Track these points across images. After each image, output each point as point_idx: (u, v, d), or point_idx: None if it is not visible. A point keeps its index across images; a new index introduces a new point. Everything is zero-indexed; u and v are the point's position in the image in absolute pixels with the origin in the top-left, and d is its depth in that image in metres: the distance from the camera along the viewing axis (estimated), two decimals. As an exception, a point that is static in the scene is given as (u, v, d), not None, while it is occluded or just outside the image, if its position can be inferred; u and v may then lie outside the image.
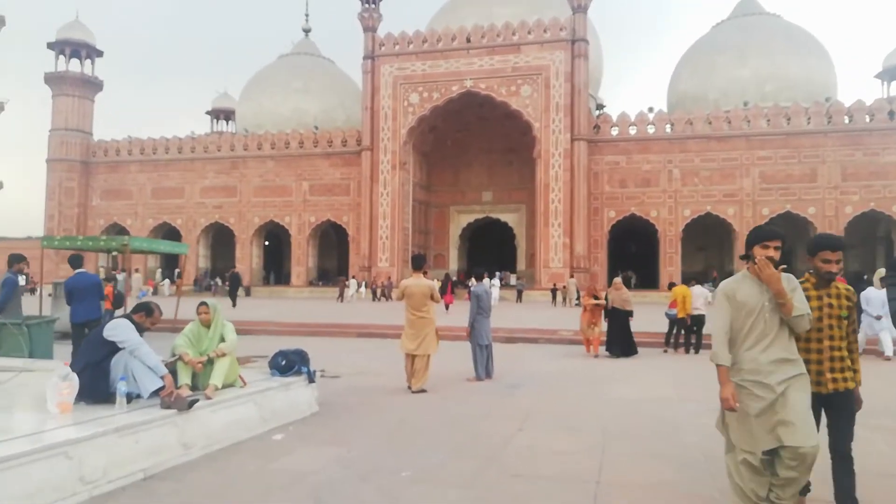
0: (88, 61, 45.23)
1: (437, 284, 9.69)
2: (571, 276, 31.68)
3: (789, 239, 34.82)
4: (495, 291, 27.21)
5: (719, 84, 40.00)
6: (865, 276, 22.26)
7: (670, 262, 35.33)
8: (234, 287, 28.83)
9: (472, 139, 41.01)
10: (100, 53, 45.63)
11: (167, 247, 17.60)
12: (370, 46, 38.75)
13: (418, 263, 8.55)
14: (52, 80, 43.82)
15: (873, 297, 12.11)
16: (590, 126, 36.17)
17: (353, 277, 36.15)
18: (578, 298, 29.15)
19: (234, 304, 26.63)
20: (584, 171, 35.18)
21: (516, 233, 41.17)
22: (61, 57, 44.19)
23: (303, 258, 40.99)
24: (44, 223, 44.48)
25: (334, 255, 46.02)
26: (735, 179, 34.78)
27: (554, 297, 31.01)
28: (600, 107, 46.48)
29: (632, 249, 39.85)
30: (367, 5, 39.28)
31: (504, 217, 41.50)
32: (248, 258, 41.99)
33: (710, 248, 40.21)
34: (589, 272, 33.93)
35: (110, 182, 44.63)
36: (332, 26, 71.60)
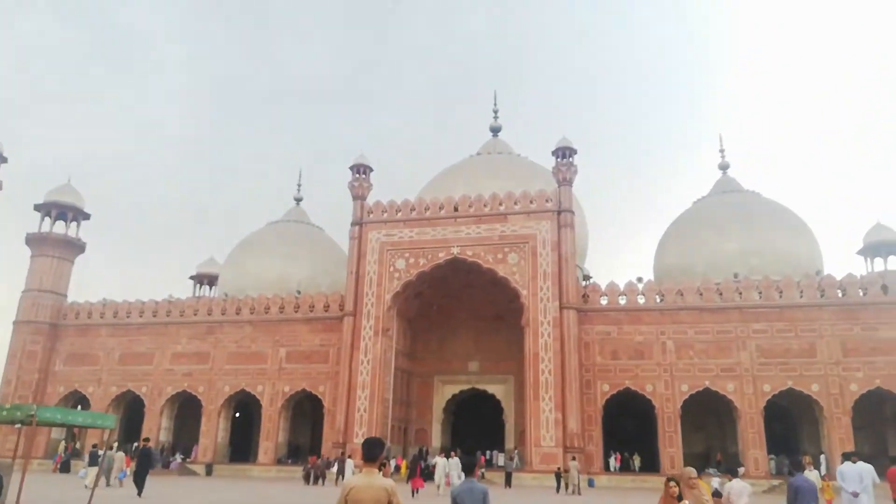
0: (74, 223, 45.14)
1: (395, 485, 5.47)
2: (573, 458, 28.67)
3: (794, 417, 32.73)
4: (452, 472, 24.40)
5: (706, 257, 40.01)
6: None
7: (670, 443, 32.64)
8: (141, 469, 20.58)
9: (459, 306, 39.95)
10: (87, 216, 45.68)
11: (87, 419, 14.61)
12: (359, 213, 38.96)
13: (372, 453, 5.51)
14: (33, 240, 43.31)
15: (848, 472, 11.29)
16: (578, 295, 35.33)
17: (350, 457, 30.83)
18: (578, 484, 26.20)
19: (139, 493, 19.78)
20: (574, 340, 33.68)
21: (504, 406, 38.61)
22: (46, 218, 44.08)
23: (273, 432, 37.81)
24: (0, 388, 41.53)
25: (307, 429, 42.75)
26: (732, 353, 33.30)
27: (559, 483, 27.68)
28: (587, 278, 46.23)
29: (629, 427, 37.18)
30: (357, 175, 40.15)
31: (491, 388, 39.18)
32: (213, 431, 38.73)
33: (709, 426, 37.67)
34: (583, 451, 31.08)
35: (77, 346, 42.45)
36: (324, 196, 73.79)
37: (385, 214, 38.67)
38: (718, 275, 37.19)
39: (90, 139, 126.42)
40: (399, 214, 38.41)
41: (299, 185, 56.15)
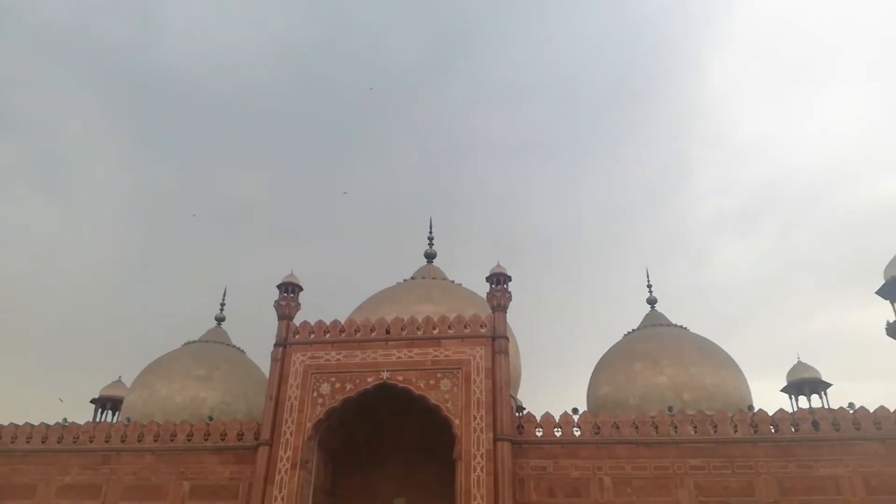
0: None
1: None
2: None
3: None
4: None
5: (638, 390, 39.65)
6: None
7: (611, 592, 30.08)
8: None
9: (387, 436, 37.46)
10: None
11: None
12: (284, 333, 36.92)
13: None
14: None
15: None
16: (513, 426, 33.71)
17: None
18: None
19: None
20: (508, 475, 31.56)
21: (435, 554, 35.23)
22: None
23: (165, 582, 32.84)
24: None
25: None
26: (670, 491, 31.89)
27: None
28: (520, 409, 44.77)
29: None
30: (285, 294, 38.55)
31: (420, 532, 35.87)
32: (95, 581, 33.33)
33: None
34: None
35: (-56, 476, 36.82)
36: (248, 317, 70.77)
37: (312, 335, 36.81)
38: (652, 408, 36.61)
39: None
40: (327, 336, 36.65)
41: (223, 305, 53.54)
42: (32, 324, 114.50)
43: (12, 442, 37.58)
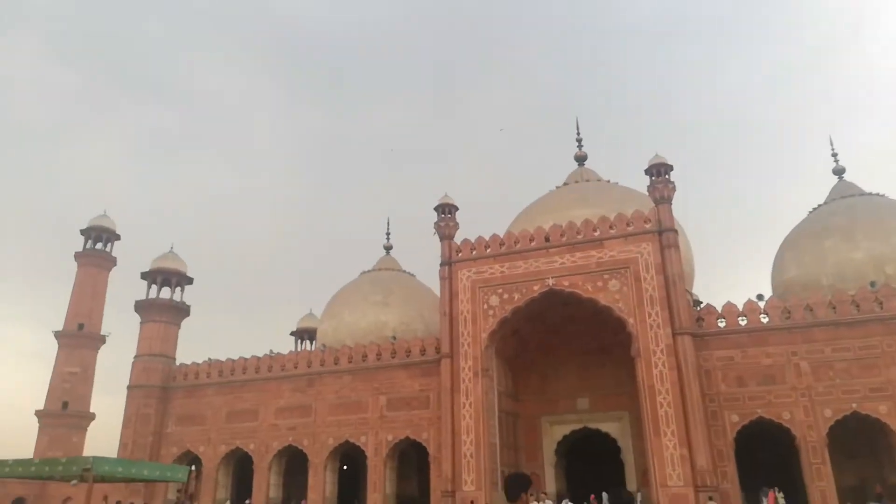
0: (179, 288, 46.88)
1: None
2: (710, 499, 25.35)
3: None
4: None
5: (830, 269, 36.07)
6: None
7: (819, 476, 28.67)
8: None
9: (560, 341, 37.77)
10: (190, 281, 47.45)
11: (154, 472, 12.63)
12: (447, 253, 38.04)
13: (515, 492, 4.64)
14: (142, 307, 45.22)
15: None
16: (692, 319, 32.45)
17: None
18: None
19: None
20: (692, 368, 30.71)
21: (622, 445, 35.67)
22: (153, 286, 46.02)
23: (379, 483, 36.57)
24: (118, 452, 42.81)
25: (414, 479, 41.22)
26: (880, 370, 29.25)
27: None
28: (697, 302, 42.86)
29: (766, 459, 33.18)
30: (443, 215, 39.42)
31: (605, 427, 36.37)
32: (321, 485, 38.00)
33: (861, 455, 33.05)
34: (718, 490, 27.85)
35: (186, 407, 43.36)
36: (412, 243, 73.94)
37: (474, 252, 37.54)
38: (849, 286, 33.33)
39: (189, 207, 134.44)
40: (488, 251, 37.17)
41: (388, 234, 56.30)
42: (231, 275, 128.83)
43: (231, 374, 43.12)
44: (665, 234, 33.68)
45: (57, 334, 62.61)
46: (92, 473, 9.95)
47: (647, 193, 36.22)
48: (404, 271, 52.16)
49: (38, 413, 59.73)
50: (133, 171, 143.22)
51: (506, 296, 35.51)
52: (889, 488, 29.96)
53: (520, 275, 35.54)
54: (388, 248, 55.23)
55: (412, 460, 40.60)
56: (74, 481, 11.70)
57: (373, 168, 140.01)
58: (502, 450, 34.95)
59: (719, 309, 33.13)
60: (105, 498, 43.59)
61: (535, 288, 34.88)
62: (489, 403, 34.54)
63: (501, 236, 37.77)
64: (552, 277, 34.64)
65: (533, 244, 36.18)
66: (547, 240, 35.94)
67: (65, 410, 59.56)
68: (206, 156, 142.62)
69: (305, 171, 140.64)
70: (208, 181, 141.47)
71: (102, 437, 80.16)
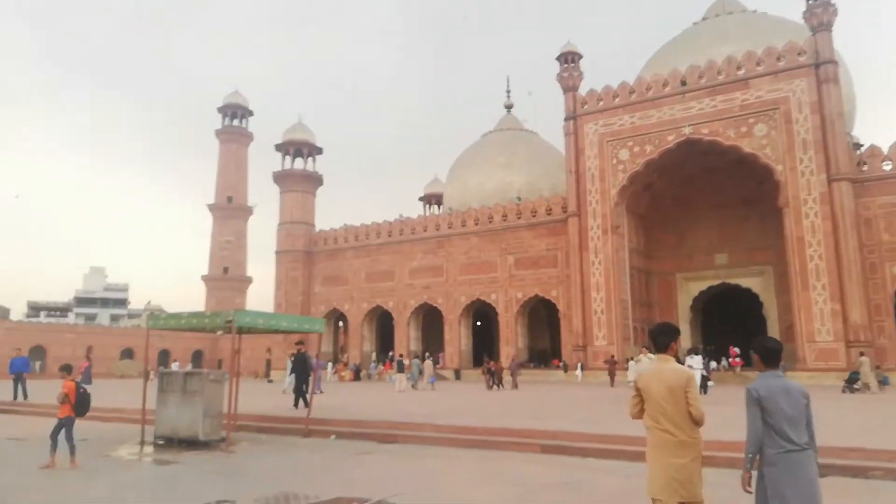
0: (311, 159, 48.72)
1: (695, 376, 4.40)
2: (861, 354, 23.82)
3: None
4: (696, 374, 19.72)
5: None
6: None
7: None
8: (300, 376, 16.34)
9: (697, 194, 35.58)
10: (319, 151, 49.03)
11: (292, 323, 13.04)
12: (571, 106, 36.04)
13: (664, 340, 4.25)
14: (280, 178, 47.70)
15: None
16: (851, 163, 29.04)
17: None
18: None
19: (303, 399, 15.65)
20: (850, 217, 27.92)
21: (763, 300, 34.09)
22: (287, 157, 48.12)
23: (511, 338, 38.00)
24: (273, 311, 47.35)
25: (546, 333, 42.39)
26: None
27: (852, 382, 21.75)
28: (857, 145, 38.18)
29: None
30: (566, 65, 36.95)
31: (745, 282, 34.76)
32: (456, 339, 40.20)
33: None
34: (872, 346, 26.11)
35: (329, 269, 46.48)
36: (534, 99, 71.08)
37: (601, 103, 35.23)
38: None
39: (313, 80, 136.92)
40: (617, 100, 34.71)
41: (508, 92, 54.36)
42: (358, 146, 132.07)
43: (367, 238, 45.27)
44: (823, 68, 29.54)
45: (210, 207, 68.49)
46: (234, 324, 10.83)
47: (801, 22, 31.55)
48: (527, 130, 50.62)
49: (203, 278, 67.16)
50: (260, 49, 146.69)
51: (637, 148, 33.49)
52: None
53: (653, 125, 33.15)
54: (508, 107, 53.52)
55: (542, 316, 41.54)
56: (220, 332, 12.92)
57: (488, 26, 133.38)
58: (634, 306, 34.68)
59: (885, 150, 29.28)
60: (269, 350, 49.40)
61: (670, 138, 32.51)
62: (619, 261, 33.88)
63: (631, 83, 35.02)
64: (689, 125, 32.00)
65: (667, 90, 33.28)
66: (683, 83, 32.85)
67: (226, 275, 66.44)
68: (329, 30, 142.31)
69: (425, 36, 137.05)
70: (330, 55, 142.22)
71: (260, 299, 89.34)
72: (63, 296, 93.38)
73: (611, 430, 10.34)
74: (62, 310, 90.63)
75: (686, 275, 36.78)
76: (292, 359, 17.62)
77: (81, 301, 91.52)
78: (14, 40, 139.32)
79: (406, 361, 26.58)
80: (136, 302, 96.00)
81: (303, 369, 16.38)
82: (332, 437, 11.72)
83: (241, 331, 13.24)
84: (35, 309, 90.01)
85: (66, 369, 9.21)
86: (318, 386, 24.54)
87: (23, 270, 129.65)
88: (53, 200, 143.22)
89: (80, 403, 8.69)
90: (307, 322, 13.63)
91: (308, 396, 14.28)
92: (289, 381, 23.20)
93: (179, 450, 10.40)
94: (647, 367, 4.45)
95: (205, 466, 9.01)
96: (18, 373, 19.92)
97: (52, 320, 78.03)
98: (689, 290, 36.60)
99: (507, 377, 26.82)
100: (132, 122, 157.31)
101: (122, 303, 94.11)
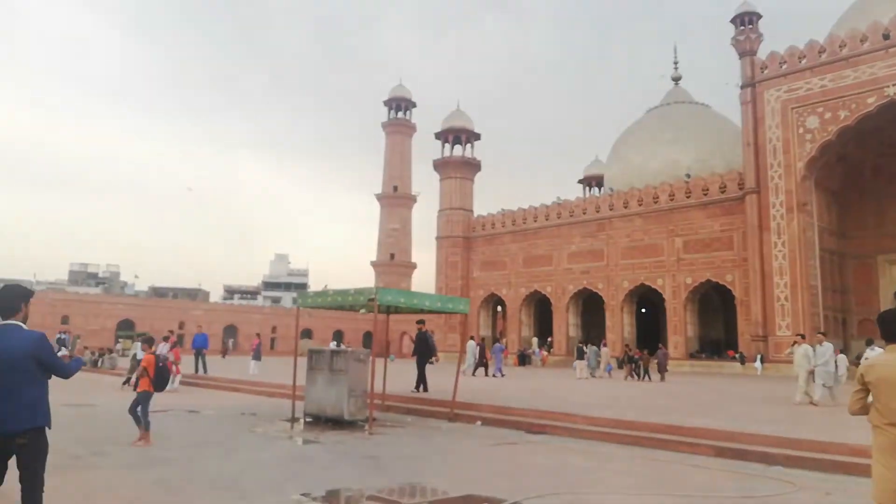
0: (469, 145, 49.14)
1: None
2: None
3: None
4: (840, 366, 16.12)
5: None
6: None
7: None
8: (422, 358, 15.74)
9: (904, 164, 30.81)
10: (477, 137, 49.27)
11: (435, 303, 12.24)
12: (749, 72, 32.71)
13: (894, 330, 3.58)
14: (439, 165, 48.67)
15: None
16: None
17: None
18: None
19: (423, 385, 15.31)
20: None
21: None
22: (446, 145, 48.93)
23: (680, 326, 35.59)
24: (435, 295, 48.57)
25: (719, 322, 39.29)
26: None
27: None
28: None
29: None
30: (741, 28, 33.60)
31: (967, 265, 29.59)
32: (618, 327, 38.47)
33: None
34: None
35: (487, 254, 46.67)
36: (705, 69, 65.91)
37: (784, 66, 31.56)
38: None
39: (471, 67, 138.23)
40: (803, 62, 30.90)
41: (675, 64, 50.73)
42: (516, 131, 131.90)
43: (524, 223, 44.74)
44: None
45: (378, 196, 71.99)
46: (377, 303, 10.88)
47: None
48: (696, 102, 46.98)
49: (372, 263, 70.85)
50: (420, 42, 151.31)
51: (828, 115, 29.61)
52: None
53: (848, 87, 29.11)
54: (676, 80, 50.02)
55: (715, 303, 38.52)
56: (363, 310, 13.07)
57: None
58: (825, 293, 30.89)
59: None
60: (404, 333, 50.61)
61: (870, 101, 28.36)
62: (807, 242, 30.27)
63: (821, 42, 31.01)
64: (894, 85, 27.66)
65: (866, 46, 29.02)
66: (886, 37, 28.47)
67: (392, 261, 69.54)
68: (484, 23, 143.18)
69: (577, 17, 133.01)
70: (490, 43, 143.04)
71: (424, 284, 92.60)
72: (253, 280, 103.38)
73: (802, 434, 8.91)
74: (252, 293, 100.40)
75: (889, 257, 32.10)
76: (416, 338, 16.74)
77: (268, 285, 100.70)
78: (230, 51, 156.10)
79: (585, 349, 25.70)
80: (315, 285, 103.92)
81: (424, 349, 15.84)
82: (478, 423, 11.46)
83: (388, 311, 13.37)
84: (230, 292, 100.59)
85: (148, 342, 8.86)
86: (497, 369, 24.74)
87: (222, 256, 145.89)
88: (246, 194, 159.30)
89: (158, 377, 8.33)
90: (451, 301, 13.40)
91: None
92: (470, 362, 23.91)
93: (324, 428, 10.55)
94: (877, 358, 3.63)
95: (341, 448, 8.76)
96: (199, 349, 21.94)
97: (244, 302, 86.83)
98: (893, 274, 31.88)
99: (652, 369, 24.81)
100: (310, 119, 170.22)
101: (303, 287, 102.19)
